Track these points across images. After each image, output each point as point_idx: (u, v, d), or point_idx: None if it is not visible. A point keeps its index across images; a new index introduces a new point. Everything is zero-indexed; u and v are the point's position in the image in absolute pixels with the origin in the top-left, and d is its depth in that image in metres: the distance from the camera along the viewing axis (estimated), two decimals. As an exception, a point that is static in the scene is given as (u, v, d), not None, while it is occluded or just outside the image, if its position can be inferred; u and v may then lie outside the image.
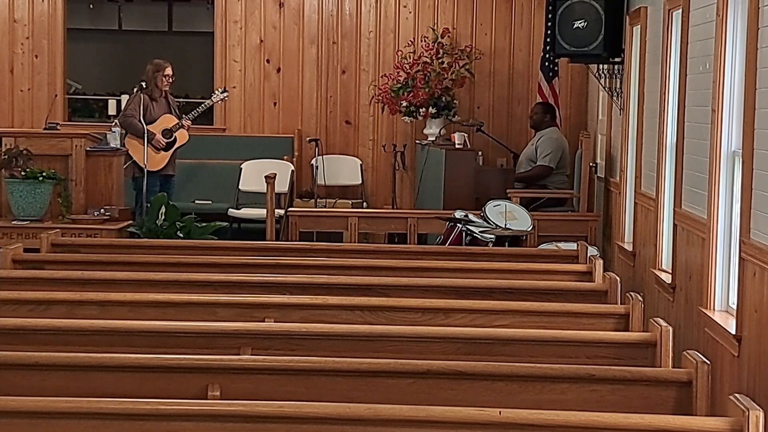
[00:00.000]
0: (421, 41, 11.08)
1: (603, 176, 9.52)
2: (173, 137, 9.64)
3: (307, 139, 10.98)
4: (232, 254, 6.61)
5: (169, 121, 9.69)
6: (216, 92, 10.31)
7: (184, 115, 9.84)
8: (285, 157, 11.01)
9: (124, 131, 9.51)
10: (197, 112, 9.99)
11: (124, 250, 6.88)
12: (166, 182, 9.64)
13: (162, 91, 9.74)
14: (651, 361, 4.30)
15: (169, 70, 9.74)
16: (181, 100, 10.10)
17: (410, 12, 11.30)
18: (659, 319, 4.42)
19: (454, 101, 10.87)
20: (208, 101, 10.27)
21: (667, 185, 7.09)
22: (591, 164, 9.54)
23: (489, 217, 8.02)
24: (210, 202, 10.86)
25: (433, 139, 10.64)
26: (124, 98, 11.66)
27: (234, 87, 11.06)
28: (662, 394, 3.83)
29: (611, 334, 4.58)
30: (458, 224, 7.92)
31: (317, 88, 11.41)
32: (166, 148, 9.62)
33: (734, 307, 5.35)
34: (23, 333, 4.49)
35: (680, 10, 6.72)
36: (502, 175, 10.19)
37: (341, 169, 11.23)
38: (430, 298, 5.26)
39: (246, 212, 10.64)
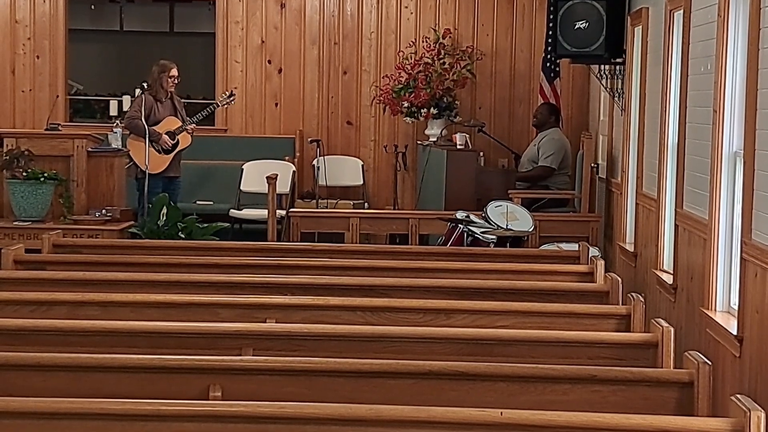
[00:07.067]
0: (423, 42, 11.08)
1: (604, 177, 9.53)
2: (176, 140, 9.62)
3: (309, 139, 10.98)
4: (234, 255, 6.61)
5: (172, 123, 9.66)
6: (223, 95, 10.28)
7: (188, 118, 9.81)
8: (286, 158, 11.01)
9: (128, 132, 9.49)
10: (202, 115, 9.93)
11: (125, 251, 6.88)
12: (169, 184, 9.59)
13: (167, 92, 9.70)
14: (652, 362, 4.30)
15: (174, 71, 9.71)
16: (183, 101, 10.07)
17: (411, 13, 11.31)
18: (660, 319, 4.42)
19: (456, 102, 10.87)
20: (214, 104, 10.24)
21: (669, 186, 7.09)
22: (592, 165, 9.54)
23: (490, 217, 8.02)
24: (211, 202, 10.87)
25: (435, 139, 10.64)
26: (126, 99, 11.64)
27: (235, 88, 11.05)
28: (664, 395, 3.83)
29: (613, 335, 4.58)
30: (459, 225, 7.92)
31: (319, 88, 11.41)
32: (168, 151, 9.60)
33: (735, 307, 5.35)
34: (25, 334, 4.49)
35: (682, 11, 6.73)
36: (503, 175, 10.19)
37: (343, 170, 11.23)
38: (431, 299, 5.26)
39: (247, 213, 10.64)
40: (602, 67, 9.20)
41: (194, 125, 9.80)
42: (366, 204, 11.16)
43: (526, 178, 9.78)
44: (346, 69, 11.39)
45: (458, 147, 10.17)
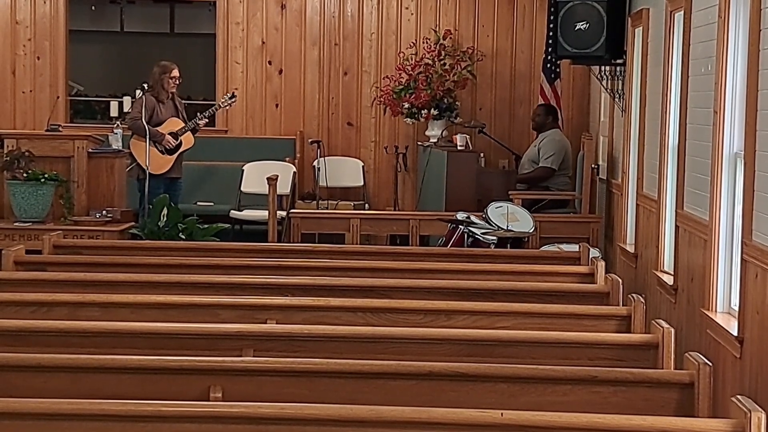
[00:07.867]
0: (423, 43, 11.08)
1: (605, 178, 9.53)
2: (179, 141, 9.61)
3: (309, 140, 10.98)
4: (234, 256, 6.61)
5: (175, 124, 9.66)
6: (224, 97, 10.25)
7: (199, 113, 9.80)
8: (287, 159, 11.01)
9: (130, 133, 9.48)
10: (204, 116, 9.88)
11: (126, 251, 6.88)
12: (171, 185, 9.59)
13: (169, 93, 9.69)
14: (653, 363, 4.30)
15: (175, 72, 9.70)
16: (183, 102, 10.06)
17: (412, 14, 11.31)
18: (661, 320, 4.42)
19: (456, 103, 10.88)
20: (215, 106, 10.22)
21: (669, 187, 7.09)
22: (593, 166, 9.55)
23: (491, 218, 8.02)
24: (212, 203, 10.87)
25: (435, 140, 10.64)
26: (126, 100, 11.63)
27: (236, 89, 11.06)
28: (664, 396, 3.83)
29: (613, 336, 4.58)
30: (460, 226, 7.92)
31: (319, 89, 11.41)
32: (171, 152, 9.60)
33: (736, 308, 5.34)
34: (25, 335, 4.50)
35: (682, 12, 6.73)
36: (504, 176, 10.19)
37: (343, 171, 11.24)
38: (432, 300, 5.25)
39: (248, 214, 10.65)
40: (603, 68, 9.20)
41: (206, 120, 9.80)
42: (366, 205, 11.16)
43: (527, 180, 9.78)
44: (346, 70, 11.39)
45: (459, 148, 10.18)
